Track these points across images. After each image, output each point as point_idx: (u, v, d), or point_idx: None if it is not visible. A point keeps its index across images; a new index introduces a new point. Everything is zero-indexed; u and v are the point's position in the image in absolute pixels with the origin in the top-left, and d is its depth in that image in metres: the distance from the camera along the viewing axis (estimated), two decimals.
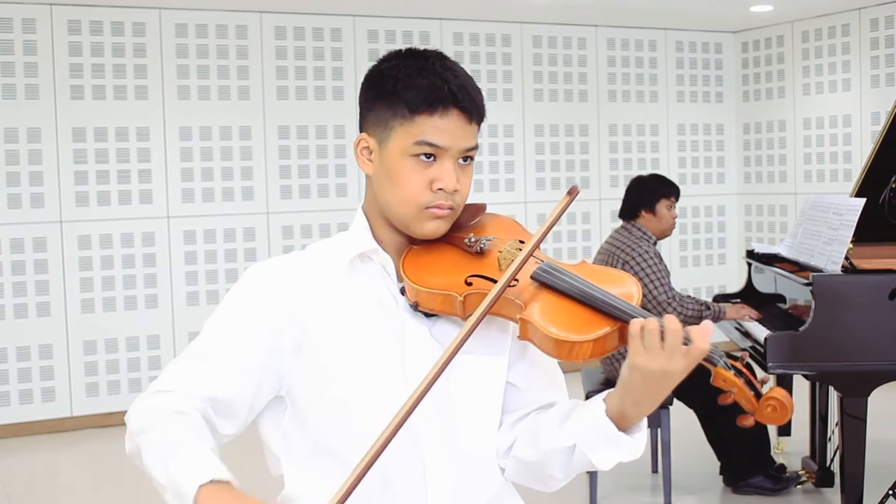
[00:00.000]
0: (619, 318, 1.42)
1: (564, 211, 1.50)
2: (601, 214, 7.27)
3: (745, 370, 1.42)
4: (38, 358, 5.83)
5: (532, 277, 1.48)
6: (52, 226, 5.84)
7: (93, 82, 5.89)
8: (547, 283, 1.47)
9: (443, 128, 1.48)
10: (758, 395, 1.40)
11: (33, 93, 5.76)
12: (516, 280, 1.47)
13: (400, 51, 1.56)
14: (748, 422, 1.41)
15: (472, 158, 1.55)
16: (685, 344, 1.36)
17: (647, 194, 4.49)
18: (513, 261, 1.46)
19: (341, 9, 6.38)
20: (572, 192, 1.50)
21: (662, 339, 1.36)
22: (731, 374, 1.40)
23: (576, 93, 7.20)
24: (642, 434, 1.47)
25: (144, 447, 1.39)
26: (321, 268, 1.54)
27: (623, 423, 1.45)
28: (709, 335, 1.38)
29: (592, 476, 4.21)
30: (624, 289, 1.47)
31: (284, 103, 6.35)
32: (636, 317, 1.40)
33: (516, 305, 1.46)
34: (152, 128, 6.04)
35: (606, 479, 4.54)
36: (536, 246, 1.48)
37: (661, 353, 1.36)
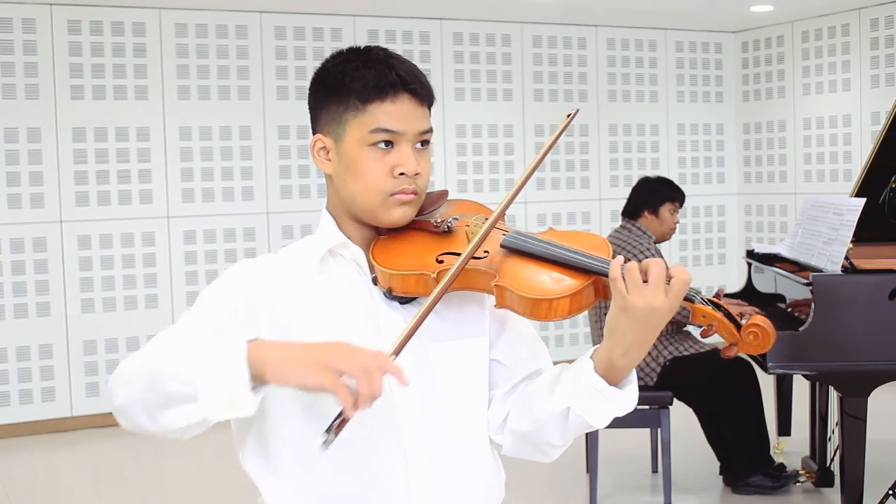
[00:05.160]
0: (592, 270, 1.42)
1: (554, 141, 1.54)
2: (601, 214, 7.27)
3: (721, 304, 1.42)
4: (38, 358, 5.83)
5: (502, 246, 1.49)
6: (52, 226, 5.84)
7: (93, 82, 5.89)
8: (517, 248, 1.48)
9: (395, 113, 1.49)
10: (738, 326, 1.40)
11: (33, 93, 5.76)
12: (486, 252, 1.49)
13: (342, 50, 1.57)
14: (732, 352, 1.41)
15: (428, 142, 1.55)
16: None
17: (653, 196, 4.53)
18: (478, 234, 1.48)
19: (341, 9, 6.38)
20: (572, 114, 1.55)
21: (645, 278, 1.37)
22: (709, 308, 1.40)
23: (576, 93, 7.20)
24: (633, 387, 1.47)
25: (156, 363, 1.31)
26: (295, 268, 1.54)
27: (613, 377, 1.45)
28: (686, 272, 1.38)
29: (592, 476, 4.21)
30: (594, 245, 1.48)
31: (284, 103, 6.35)
32: (608, 267, 1.40)
33: (489, 275, 1.46)
34: (152, 128, 6.04)
35: (606, 479, 4.54)
36: (510, 202, 1.50)
37: (646, 289, 1.36)
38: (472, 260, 1.47)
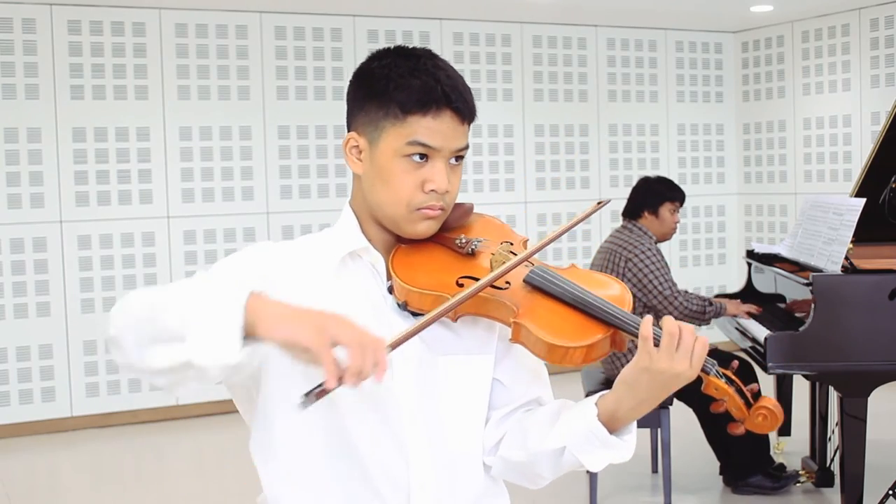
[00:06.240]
0: (612, 324, 1.42)
1: (580, 221, 1.54)
2: (601, 214, 7.27)
3: (735, 379, 1.43)
4: (38, 358, 5.83)
5: (525, 281, 1.48)
6: (52, 226, 5.83)
7: (93, 82, 5.89)
8: (540, 287, 1.47)
9: (435, 129, 1.47)
10: (748, 404, 1.42)
11: (33, 93, 5.76)
12: (508, 283, 1.48)
13: (389, 49, 1.54)
14: (739, 430, 1.44)
15: (462, 158, 1.55)
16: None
17: (653, 196, 4.52)
18: (504, 263, 1.46)
19: (341, 9, 6.37)
20: (601, 204, 1.58)
21: (679, 342, 1.39)
22: (722, 382, 1.42)
23: (576, 93, 7.20)
24: (632, 436, 1.48)
25: (160, 296, 1.29)
26: (312, 264, 1.52)
27: (613, 426, 1.46)
28: (704, 337, 1.41)
29: (592, 476, 4.21)
30: (615, 294, 1.48)
31: (284, 103, 6.35)
32: (630, 323, 1.41)
33: (509, 309, 1.45)
34: (152, 128, 6.04)
35: (606, 479, 4.54)
36: (540, 248, 1.49)
37: (675, 355, 1.38)
38: (493, 290, 1.46)
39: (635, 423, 1.48)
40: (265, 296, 1.26)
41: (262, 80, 6.29)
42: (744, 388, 1.42)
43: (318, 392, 1.21)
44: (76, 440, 5.76)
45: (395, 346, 1.28)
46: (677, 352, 1.38)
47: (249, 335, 1.24)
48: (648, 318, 1.40)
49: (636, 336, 1.40)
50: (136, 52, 5.98)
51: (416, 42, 6.54)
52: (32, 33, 5.75)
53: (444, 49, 6.61)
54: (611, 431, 1.45)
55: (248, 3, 6.10)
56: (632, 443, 1.47)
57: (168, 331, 1.26)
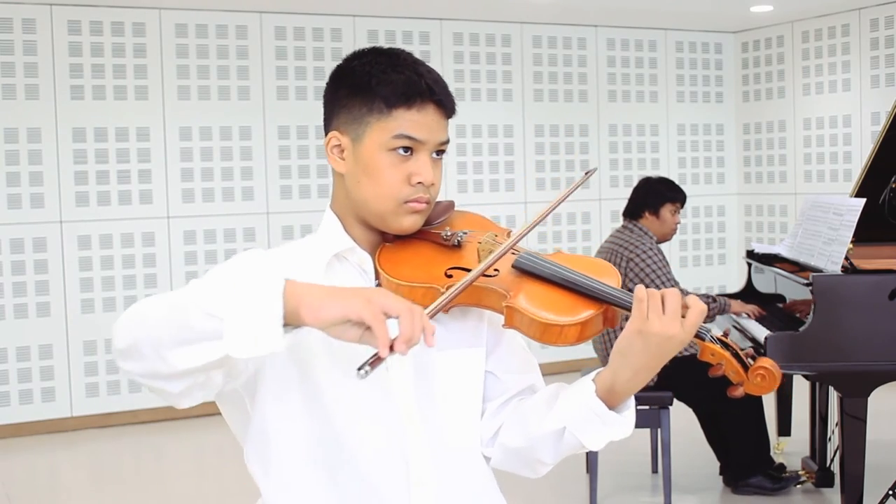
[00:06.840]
0: (604, 300, 1.44)
1: (570, 193, 1.57)
2: (601, 214, 7.28)
3: (730, 343, 1.45)
4: (38, 358, 5.83)
5: (514, 266, 1.50)
6: (52, 226, 5.84)
7: (93, 82, 5.89)
8: (529, 270, 1.49)
9: (420, 121, 1.49)
10: (745, 367, 1.43)
11: (33, 93, 5.76)
12: (496, 270, 1.49)
13: (365, 49, 1.56)
14: (738, 392, 1.45)
15: (443, 153, 1.56)
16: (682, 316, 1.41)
17: (653, 197, 4.52)
18: (491, 251, 1.48)
19: (341, 9, 6.38)
20: (589, 173, 1.60)
21: (664, 304, 1.40)
22: (718, 347, 1.43)
23: (576, 93, 7.20)
24: (631, 412, 1.48)
25: (180, 297, 1.26)
26: (300, 269, 1.49)
27: (612, 401, 1.46)
28: (701, 302, 1.42)
29: (592, 476, 4.21)
30: (604, 273, 1.50)
31: (284, 103, 6.35)
32: (621, 298, 1.43)
33: (500, 294, 1.46)
34: (152, 128, 6.04)
35: (606, 479, 4.54)
36: (527, 231, 1.51)
37: (664, 317, 1.39)
38: (483, 277, 1.46)
39: (633, 399, 1.49)
40: (299, 281, 1.25)
41: (262, 80, 6.29)
42: (740, 352, 1.44)
43: (373, 361, 1.21)
44: (76, 440, 5.76)
45: (431, 314, 1.31)
46: (665, 313, 1.39)
47: (290, 322, 1.23)
48: (641, 286, 1.42)
49: (628, 310, 1.42)
50: (136, 53, 5.98)
51: (415, 42, 6.55)
52: (32, 33, 5.75)
53: (444, 49, 6.62)
54: (610, 407, 1.46)
55: (248, 3, 6.10)
56: (631, 419, 1.48)
57: (198, 330, 1.23)
